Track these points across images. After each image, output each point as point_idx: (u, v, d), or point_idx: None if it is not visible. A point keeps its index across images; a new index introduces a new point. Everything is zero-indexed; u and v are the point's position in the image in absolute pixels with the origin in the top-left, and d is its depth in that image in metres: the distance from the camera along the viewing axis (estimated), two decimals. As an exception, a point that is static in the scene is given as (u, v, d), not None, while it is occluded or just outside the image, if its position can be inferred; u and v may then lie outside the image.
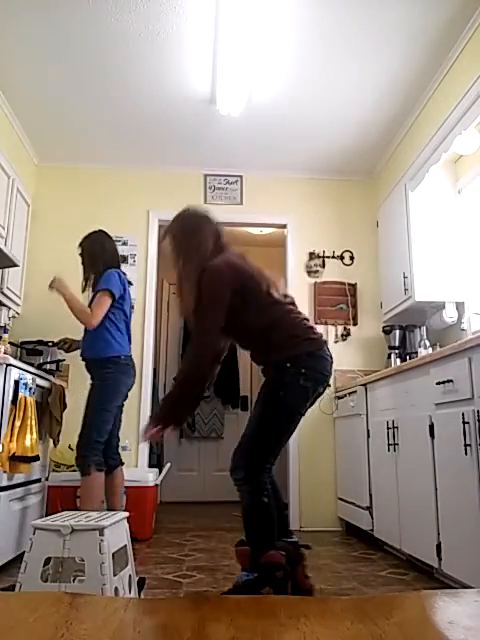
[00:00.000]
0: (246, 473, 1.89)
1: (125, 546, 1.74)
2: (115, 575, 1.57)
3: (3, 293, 3.49)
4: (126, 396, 3.02)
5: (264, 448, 1.92)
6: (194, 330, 1.98)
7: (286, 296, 2.08)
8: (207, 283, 1.94)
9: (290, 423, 1.94)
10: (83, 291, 3.12)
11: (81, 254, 3.11)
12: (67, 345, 3.36)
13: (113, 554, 1.60)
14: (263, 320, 1.97)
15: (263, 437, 1.92)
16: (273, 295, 2.00)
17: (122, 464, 3.03)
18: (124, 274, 3.08)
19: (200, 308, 1.94)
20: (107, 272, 2.96)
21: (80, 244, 3.13)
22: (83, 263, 3.11)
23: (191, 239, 2.05)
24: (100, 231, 3.18)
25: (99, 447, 2.80)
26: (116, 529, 1.70)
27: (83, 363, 3.15)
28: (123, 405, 3.05)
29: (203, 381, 1.98)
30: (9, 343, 3.41)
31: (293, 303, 2.08)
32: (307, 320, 2.06)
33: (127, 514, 1.80)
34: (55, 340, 3.49)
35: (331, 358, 2.03)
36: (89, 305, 2.96)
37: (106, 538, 1.56)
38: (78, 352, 3.33)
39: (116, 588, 1.56)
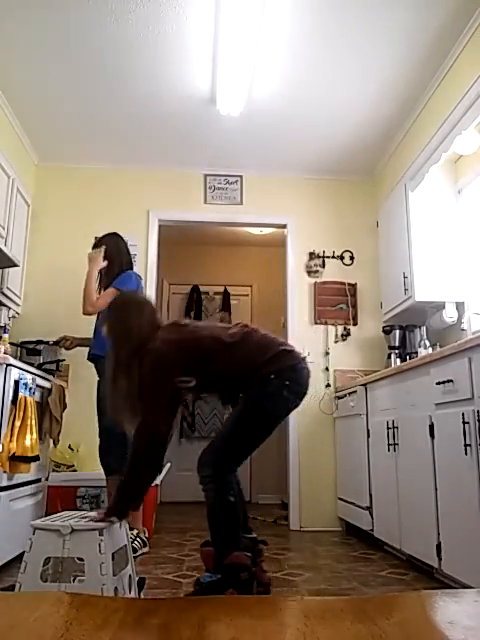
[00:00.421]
0: (214, 471, 1.87)
1: (125, 546, 1.75)
2: (115, 575, 1.57)
3: (3, 293, 3.49)
4: None
5: (237, 451, 1.92)
6: (142, 419, 1.83)
7: (241, 325, 2.04)
8: (149, 368, 1.84)
9: (266, 432, 1.95)
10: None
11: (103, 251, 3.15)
12: (68, 342, 3.37)
13: (113, 554, 1.60)
14: (237, 360, 1.92)
15: (238, 441, 1.92)
16: (231, 335, 1.94)
17: None
18: (140, 277, 3.17)
19: (145, 394, 1.83)
20: (125, 273, 3.05)
21: (99, 244, 3.16)
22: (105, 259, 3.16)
23: (123, 327, 1.96)
24: (116, 234, 3.24)
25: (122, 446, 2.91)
26: (116, 529, 1.70)
27: (86, 363, 3.15)
28: None
29: (159, 467, 1.90)
30: (9, 343, 3.41)
31: (252, 328, 2.04)
32: (276, 336, 2.04)
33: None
34: (54, 340, 3.49)
35: (309, 372, 2.01)
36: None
37: (105, 538, 1.56)
38: (78, 351, 3.33)
39: (116, 588, 1.56)
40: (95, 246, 3.19)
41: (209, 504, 1.88)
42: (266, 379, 1.89)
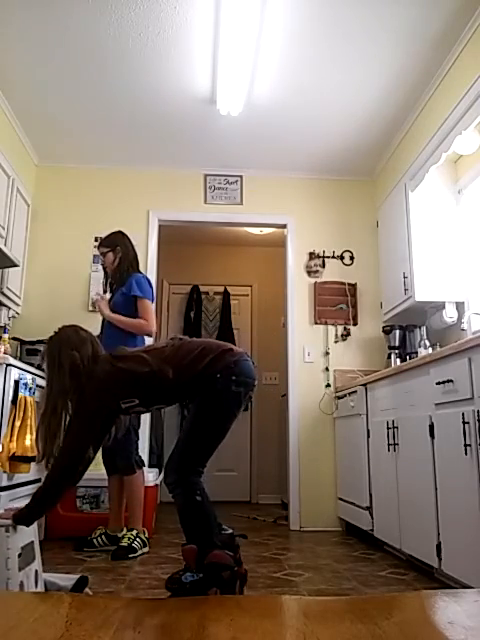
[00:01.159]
0: (178, 476, 1.91)
1: (32, 542, 1.76)
2: (21, 570, 1.59)
3: (3, 293, 3.49)
4: None
5: (198, 452, 1.95)
6: (72, 438, 1.85)
7: (174, 339, 2.07)
8: (93, 391, 1.87)
9: (223, 428, 1.98)
10: (105, 291, 3.26)
11: (111, 253, 3.18)
12: None
13: (20, 550, 1.62)
14: (176, 372, 1.93)
15: (197, 442, 1.95)
16: (162, 351, 1.98)
17: (143, 465, 3.11)
18: (148, 279, 3.22)
19: (80, 417, 1.86)
20: (136, 277, 3.11)
21: (112, 244, 3.18)
22: (107, 262, 3.20)
23: (55, 362, 1.94)
24: (122, 232, 3.28)
25: (136, 447, 3.04)
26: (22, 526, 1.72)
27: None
28: None
29: (75, 482, 1.93)
30: (12, 339, 3.42)
31: (185, 339, 2.08)
32: (213, 340, 2.12)
33: None
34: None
35: (252, 364, 2.07)
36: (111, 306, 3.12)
37: (11, 534, 1.59)
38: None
39: (21, 583, 1.58)
40: (106, 245, 3.20)
41: (179, 507, 1.91)
42: (213, 379, 1.93)
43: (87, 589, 1.83)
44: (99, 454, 3.00)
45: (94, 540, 2.96)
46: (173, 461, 1.94)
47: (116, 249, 3.16)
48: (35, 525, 1.80)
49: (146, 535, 2.99)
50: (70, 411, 1.86)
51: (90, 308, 3.93)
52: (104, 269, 3.28)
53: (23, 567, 1.63)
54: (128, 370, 1.90)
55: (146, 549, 2.93)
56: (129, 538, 2.87)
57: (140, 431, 3.16)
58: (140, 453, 3.11)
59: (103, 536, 2.97)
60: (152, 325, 3.05)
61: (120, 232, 3.27)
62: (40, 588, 1.74)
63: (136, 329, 3.03)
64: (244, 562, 2.04)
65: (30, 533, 1.75)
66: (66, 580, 1.82)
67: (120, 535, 2.93)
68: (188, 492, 1.88)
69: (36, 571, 1.73)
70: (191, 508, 1.88)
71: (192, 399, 2.01)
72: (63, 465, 1.82)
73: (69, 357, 1.88)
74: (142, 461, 3.06)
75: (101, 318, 3.22)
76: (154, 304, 3.26)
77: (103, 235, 3.31)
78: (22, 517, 1.71)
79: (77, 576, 1.81)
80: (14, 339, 3.53)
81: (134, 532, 2.91)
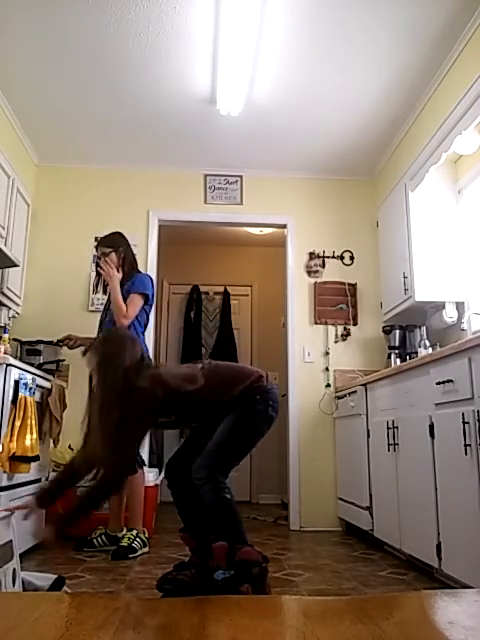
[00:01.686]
0: (208, 472, 1.94)
1: (10, 541, 1.76)
2: None
3: (3, 293, 3.49)
4: None
5: (229, 459, 2.02)
6: (119, 454, 1.88)
7: (206, 361, 2.17)
8: (138, 406, 1.90)
9: (254, 444, 2.10)
10: (95, 291, 3.25)
11: (114, 253, 3.16)
12: (72, 342, 3.39)
13: None
14: (213, 393, 2.03)
15: (231, 449, 2.02)
16: (206, 374, 2.05)
17: (144, 464, 3.13)
18: (151, 279, 3.23)
19: (127, 431, 1.88)
20: (141, 276, 3.15)
21: (115, 244, 3.18)
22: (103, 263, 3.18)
23: (115, 363, 1.97)
24: (121, 233, 3.28)
25: None
26: (1, 524, 1.72)
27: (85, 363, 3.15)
28: None
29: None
30: (13, 339, 3.42)
31: (215, 362, 2.17)
32: (242, 364, 2.28)
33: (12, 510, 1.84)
34: (58, 339, 3.50)
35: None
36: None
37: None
38: (79, 351, 3.33)
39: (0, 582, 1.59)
40: (108, 246, 3.18)
41: (208, 503, 1.94)
42: (253, 399, 2.03)
43: (65, 588, 1.85)
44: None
45: (94, 540, 2.96)
46: (206, 459, 1.96)
47: (119, 250, 3.16)
48: (13, 523, 1.81)
49: (146, 535, 2.99)
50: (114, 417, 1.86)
51: (90, 308, 3.93)
52: (97, 269, 3.26)
53: (1, 565, 1.64)
54: (171, 389, 1.95)
55: (146, 549, 2.93)
56: (129, 538, 2.87)
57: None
58: (141, 453, 3.11)
59: (103, 536, 2.97)
60: (128, 317, 2.99)
61: (119, 233, 3.27)
62: (18, 587, 1.75)
63: (117, 310, 2.99)
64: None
65: (8, 533, 1.76)
66: (43, 580, 1.83)
67: (120, 535, 2.93)
68: (218, 489, 1.93)
69: (14, 570, 1.74)
70: (221, 505, 1.93)
71: (220, 418, 2.06)
72: (113, 477, 1.90)
73: (125, 361, 1.93)
74: (143, 461, 3.07)
75: (99, 318, 3.23)
76: (154, 305, 3.26)
77: (102, 235, 3.31)
78: (64, 520, 1.83)
79: (54, 576, 1.83)
80: (14, 340, 3.53)
81: (134, 532, 2.91)
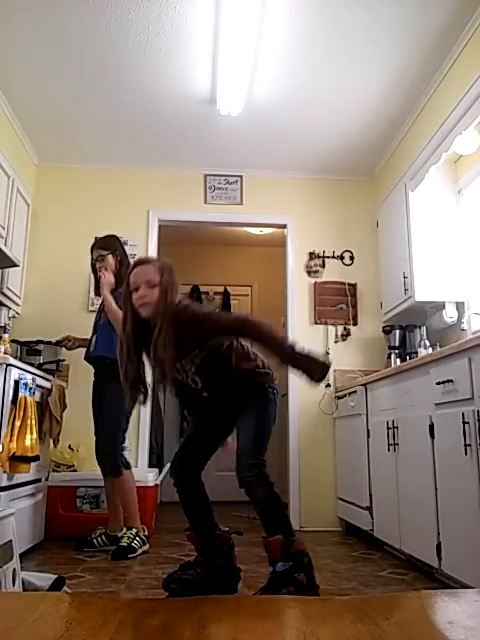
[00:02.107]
0: (258, 469, 1.99)
1: (10, 541, 1.76)
2: None
3: (3, 293, 3.49)
4: None
5: (263, 449, 2.07)
6: (242, 324, 2.00)
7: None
8: (193, 314, 2.00)
9: (271, 431, 2.15)
10: (96, 294, 3.24)
11: (111, 256, 3.15)
12: (70, 342, 3.39)
13: None
14: (239, 352, 2.11)
15: (262, 440, 2.07)
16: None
17: (129, 467, 3.07)
18: None
19: (211, 322, 2.01)
20: None
21: (112, 247, 3.17)
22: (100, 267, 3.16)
23: (173, 286, 2.08)
24: (116, 236, 3.28)
25: (123, 447, 3.05)
26: (1, 524, 1.72)
27: (85, 363, 3.15)
28: None
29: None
30: (12, 341, 3.42)
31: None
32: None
33: (13, 511, 1.84)
34: (56, 339, 3.50)
35: None
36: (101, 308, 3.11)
37: None
38: (79, 351, 3.34)
39: None
40: (105, 248, 3.16)
41: (263, 498, 1.99)
42: (267, 389, 2.12)
43: (65, 588, 1.85)
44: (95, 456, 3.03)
45: (94, 540, 2.96)
46: (250, 457, 2.01)
47: (116, 252, 3.14)
48: (13, 523, 1.81)
49: (146, 533, 2.99)
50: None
51: (90, 308, 3.93)
52: (94, 270, 3.24)
53: (1, 565, 1.64)
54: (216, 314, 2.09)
55: (146, 547, 2.94)
56: (129, 537, 2.87)
57: (140, 432, 3.17)
58: (140, 453, 3.13)
59: (103, 536, 2.97)
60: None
61: (114, 236, 3.26)
62: (18, 587, 1.76)
63: (114, 317, 2.90)
64: (244, 561, 2.06)
65: (8, 532, 1.76)
66: (43, 580, 1.83)
67: (120, 535, 2.93)
68: (269, 484, 1.98)
69: (14, 570, 1.74)
70: (275, 499, 1.98)
71: (222, 390, 2.15)
72: (262, 327, 1.97)
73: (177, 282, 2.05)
74: (128, 463, 3.05)
75: (94, 320, 3.21)
76: None
77: (102, 236, 3.31)
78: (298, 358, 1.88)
79: (54, 576, 1.83)
80: (14, 341, 3.53)
81: (133, 531, 2.91)
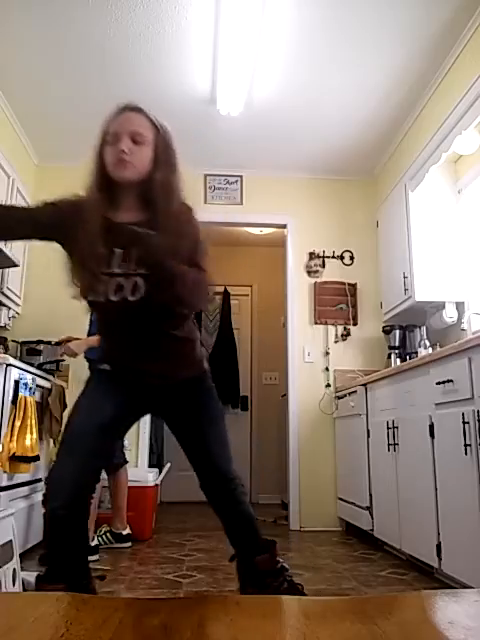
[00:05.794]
0: (236, 473, 1.75)
1: (10, 541, 1.76)
2: None
3: (3, 293, 3.49)
4: None
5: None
6: (205, 274, 1.57)
7: None
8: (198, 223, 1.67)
9: None
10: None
11: None
12: (70, 351, 3.37)
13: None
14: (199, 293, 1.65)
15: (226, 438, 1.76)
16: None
17: (127, 462, 3.18)
18: None
19: (201, 247, 1.65)
20: None
21: None
22: None
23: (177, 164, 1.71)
24: None
25: (123, 445, 3.14)
26: (0, 524, 1.73)
27: (85, 363, 3.14)
28: None
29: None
30: (12, 341, 3.42)
31: None
32: None
33: (13, 511, 1.84)
34: (56, 340, 3.49)
35: None
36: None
37: None
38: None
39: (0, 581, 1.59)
40: None
41: (248, 509, 1.76)
42: (205, 375, 1.73)
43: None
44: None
45: (99, 539, 2.99)
46: (227, 458, 1.72)
47: None
48: (13, 523, 1.81)
49: (128, 531, 3.07)
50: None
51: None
52: None
53: (1, 565, 1.64)
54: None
55: (125, 545, 3.03)
56: (98, 534, 3.01)
57: (140, 432, 3.19)
58: (140, 453, 3.16)
59: (108, 534, 3.02)
60: None
61: None
62: (18, 587, 1.76)
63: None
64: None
65: (8, 532, 1.76)
66: None
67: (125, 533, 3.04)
68: (245, 492, 1.76)
69: (14, 570, 1.75)
70: (251, 508, 1.77)
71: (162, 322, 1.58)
72: (199, 293, 1.59)
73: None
74: (126, 459, 3.16)
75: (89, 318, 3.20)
76: None
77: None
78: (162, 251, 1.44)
79: (20, 572, 1.83)
80: (14, 341, 3.53)
81: (103, 529, 3.04)
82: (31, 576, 1.84)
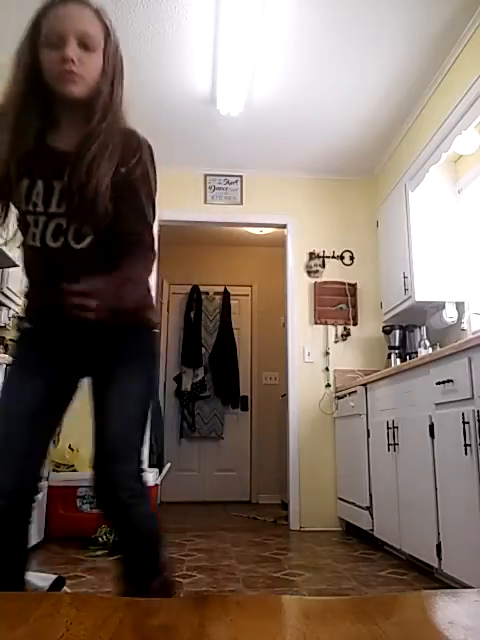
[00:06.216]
0: (141, 483, 1.28)
1: None
2: None
3: (3, 293, 3.49)
4: None
5: (143, 443, 1.34)
6: (146, 228, 1.40)
7: None
8: (152, 160, 1.36)
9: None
10: None
11: None
12: None
13: None
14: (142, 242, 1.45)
15: (144, 428, 1.33)
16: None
17: None
18: None
19: (150, 196, 1.40)
20: None
21: None
22: None
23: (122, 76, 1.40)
24: None
25: None
26: None
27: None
28: None
29: None
30: (11, 340, 3.41)
31: None
32: None
33: None
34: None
35: None
36: None
37: None
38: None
39: None
40: None
41: (148, 529, 1.38)
42: (151, 334, 1.36)
43: (65, 588, 1.86)
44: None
45: (99, 538, 3.00)
46: (127, 458, 1.29)
47: None
48: None
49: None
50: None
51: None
52: None
53: None
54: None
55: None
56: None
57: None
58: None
59: (108, 534, 3.02)
60: None
61: None
62: None
63: None
64: (244, 561, 2.03)
65: None
66: (43, 580, 1.83)
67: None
68: (150, 505, 1.37)
69: None
70: (160, 530, 1.49)
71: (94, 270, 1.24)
72: (147, 265, 1.39)
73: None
74: None
75: None
76: None
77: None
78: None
79: (54, 576, 1.83)
80: (13, 341, 3.53)
81: (103, 530, 3.02)
82: (31, 576, 1.84)
